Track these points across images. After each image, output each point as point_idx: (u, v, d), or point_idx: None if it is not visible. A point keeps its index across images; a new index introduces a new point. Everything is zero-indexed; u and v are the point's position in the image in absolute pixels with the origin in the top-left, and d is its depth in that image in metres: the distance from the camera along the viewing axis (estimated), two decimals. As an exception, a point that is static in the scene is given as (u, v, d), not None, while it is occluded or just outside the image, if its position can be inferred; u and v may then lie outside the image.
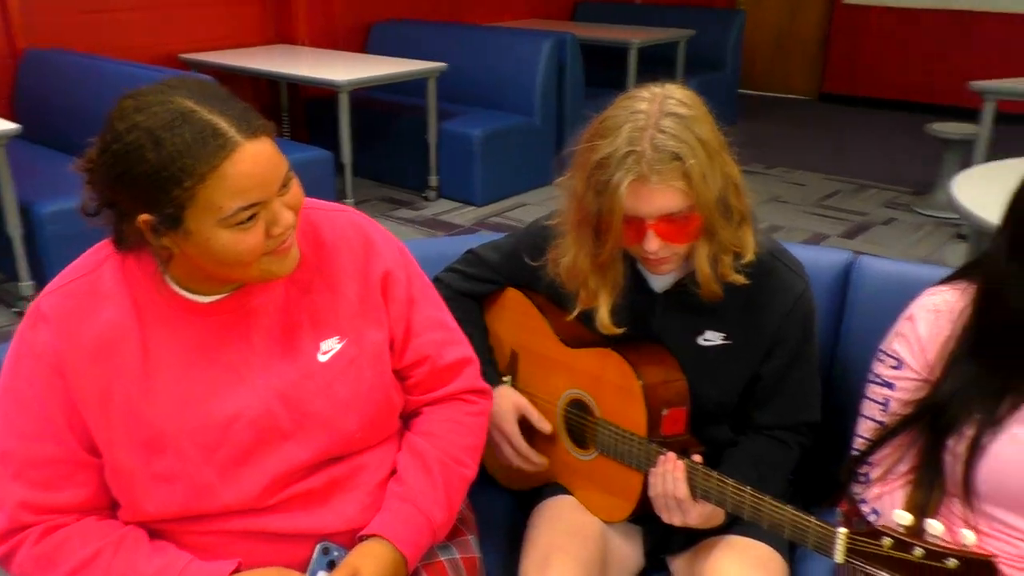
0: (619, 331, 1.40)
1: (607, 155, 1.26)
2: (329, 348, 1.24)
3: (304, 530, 1.21)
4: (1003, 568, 1.27)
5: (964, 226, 4.57)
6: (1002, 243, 1.22)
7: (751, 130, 6.83)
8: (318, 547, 1.21)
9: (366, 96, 5.39)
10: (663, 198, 1.26)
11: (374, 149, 5.43)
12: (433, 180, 5.18)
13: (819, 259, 1.67)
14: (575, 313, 1.44)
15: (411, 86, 4.98)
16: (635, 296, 1.45)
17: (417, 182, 5.27)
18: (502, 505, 1.64)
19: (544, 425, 1.53)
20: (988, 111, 4.36)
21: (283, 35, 5.68)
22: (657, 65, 6.51)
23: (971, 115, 4.64)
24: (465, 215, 5.00)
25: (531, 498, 1.57)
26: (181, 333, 1.16)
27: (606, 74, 6.17)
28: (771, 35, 8.36)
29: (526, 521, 1.53)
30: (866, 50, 7.78)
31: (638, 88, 1.32)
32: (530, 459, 1.54)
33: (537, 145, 5.37)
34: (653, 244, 1.29)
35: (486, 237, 1.69)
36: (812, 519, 1.16)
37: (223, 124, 1.01)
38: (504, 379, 1.61)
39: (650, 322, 1.45)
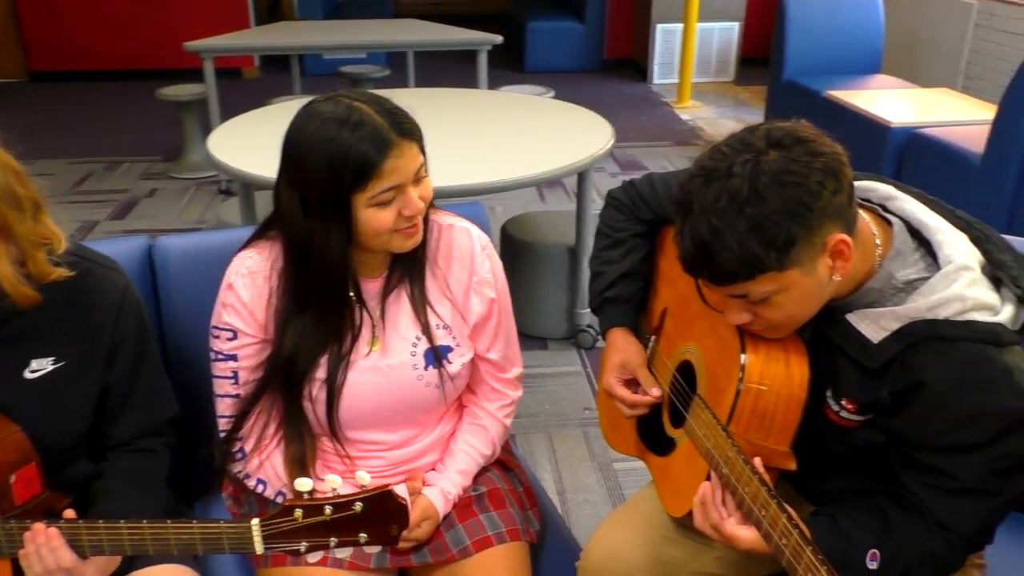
0: None
1: None
2: None
3: None
4: (381, 478, 1.42)
5: (223, 182, 4.80)
6: (295, 203, 1.27)
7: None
8: None
9: None
10: None
11: None
12: None
13: (117, 251, 1.57)
14: None
15: None
16: None
17: None
18: None
19: None
20: (209, 69, 4.57)
21: None
22: None
23: (197, 75, 4.81)
24: None
25: None
26: None
27: None
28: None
29: None
30: (68, 22, 7.40)
31: None
32: None
33: None
34: None
35: None
36: (221, 522, 1.12)
37: None
38: None
39: None
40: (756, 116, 6.17)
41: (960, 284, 1.10)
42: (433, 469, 1.45)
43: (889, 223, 1.19)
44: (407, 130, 1.25)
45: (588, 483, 2.48)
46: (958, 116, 3.92)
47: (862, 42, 4.84)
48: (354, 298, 1.35)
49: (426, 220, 1.38)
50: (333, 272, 1.29)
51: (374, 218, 1.25)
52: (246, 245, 1.40)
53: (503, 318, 1.46)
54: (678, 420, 1.36)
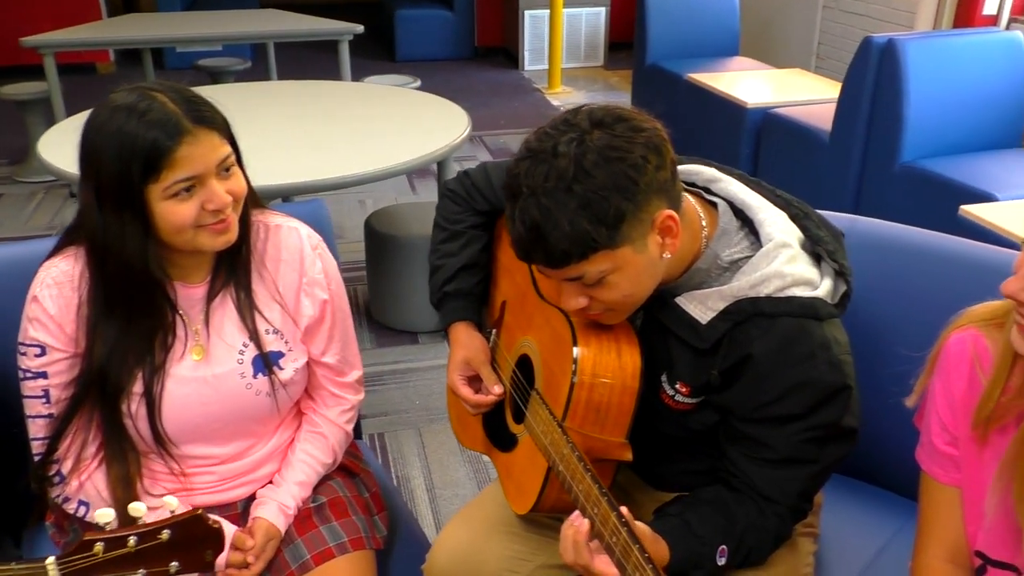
0: None
1: None
2: None
3: None
4: (208, 496, 1.36)
5: (72, 186, 4.54)
6: (91, 199, 1.20)
7: None
8: None
9: None
10: None
11: None
12: None
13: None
14: None
15: None
16: None
17: None
18: None
19: None
20: (50, 66, 4.31)
21: None
22: None
23: (39, 72, 4.51)
24: None
25: None
26: None
27: None
28: None
29: None
30: None
31: None
32: None
33: None
34: None
35: None
36: (13, 565, 1.03)
37: None
38: None
39: None
40: (626, 99, 6.25)
41: (780, 261, 1.11)
42: (271, 482, 1.39)
43: (714, 205, 1.20)
44: (204, 118, 1.18)
45: (458, 477, 2.45)
46: (810, 95, 4.06)
47: (720, 26, 4.96)
48: (167, 303, 1.27)
49: (247, 220, 1.31)
50: (133, 270, 1.21)
51: (172, 212, 1.17)
52: (52, 254, 1.30)
53: (338, 319, 1.40)
54: (520, 416, 1.34)
